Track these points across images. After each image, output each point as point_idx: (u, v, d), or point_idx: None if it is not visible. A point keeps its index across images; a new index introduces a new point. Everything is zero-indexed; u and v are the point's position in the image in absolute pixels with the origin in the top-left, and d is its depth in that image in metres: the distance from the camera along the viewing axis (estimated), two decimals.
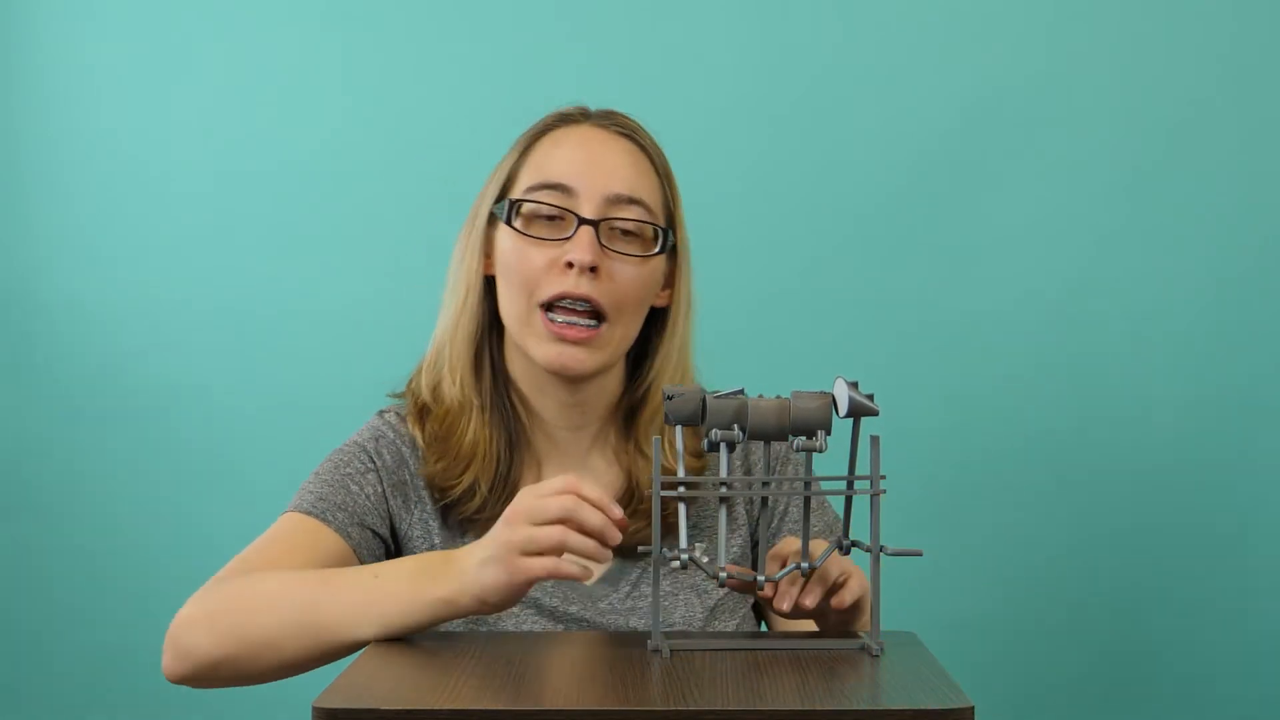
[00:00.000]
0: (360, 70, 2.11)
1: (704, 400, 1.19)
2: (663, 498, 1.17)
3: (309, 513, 1.44)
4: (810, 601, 1.23)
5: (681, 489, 1.18)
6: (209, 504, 2.10)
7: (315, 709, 1.00)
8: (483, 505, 1.44)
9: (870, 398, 1.17)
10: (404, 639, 1.27)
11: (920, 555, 1.22)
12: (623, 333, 1.45)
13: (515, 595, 1.23)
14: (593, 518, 1.21)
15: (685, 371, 1.51)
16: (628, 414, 1.50)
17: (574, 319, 1.41)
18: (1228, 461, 2.11)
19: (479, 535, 1.43)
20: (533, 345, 1.43)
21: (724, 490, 1.20)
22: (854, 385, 1.17)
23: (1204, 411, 2.10)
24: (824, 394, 1.18)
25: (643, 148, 1.49)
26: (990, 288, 2.11)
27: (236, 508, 2.10)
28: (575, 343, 1.41)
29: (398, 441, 1.48)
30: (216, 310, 2.10)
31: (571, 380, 1.45)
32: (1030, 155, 2.10)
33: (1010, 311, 2.10)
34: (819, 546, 1.31)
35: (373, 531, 1.44)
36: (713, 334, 2.08)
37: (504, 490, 1.45)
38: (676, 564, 1.16)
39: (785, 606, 1.23)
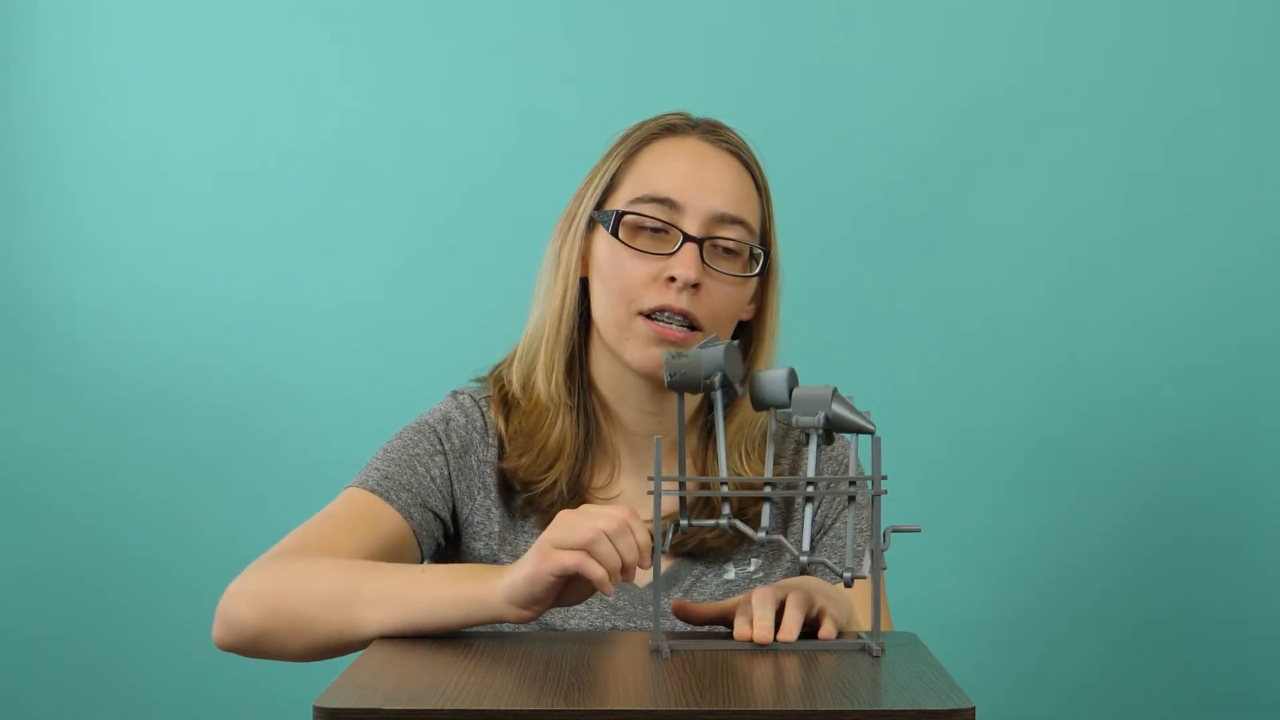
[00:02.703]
0: (360, 69, 2.11)
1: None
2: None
3: (373, 490, 1.44)
4: (789, 637, 1.22)
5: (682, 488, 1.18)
6: (209, 503, 2.10)
7: (316, 709, 1.00)
8: (556, 500, 1.46)
9: (867, 416, 1.17)
10: (406, 639, 1.27)
11: (919, 530, 1.21)
12: None
13: (541, 591, 1.22)
14: (629, 548, 1.21)
15: None
16: (709, 427, 1.52)
17: (671, 325, 1.42)
18: (1227, 460, 2.11)
19: (539, 522, 1.45)
20: (630, 348, 1.43)
21: (724, 490, 1.20)
22: (848, 401, 1.17)
23: (1203, 410, 2.11)
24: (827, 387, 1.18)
25: (747, 166, 1.49)
26: (990, 287, 2.11)
27: (237, 506, 2.10)
28: (673, 343, 1.42)
29: (468, 426, 1.48)
30: (217, 309, 2.10)
31: (659, 386, 1.46)
32: (1030, 155, 2.10)
33: (1010, 311, 2.11)
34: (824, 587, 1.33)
35: (434, 514, 1.45)
36: None
37: (575, 489, 1.47)
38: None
39: (760, 637, 1.22)
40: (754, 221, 1.47)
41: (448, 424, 1.48)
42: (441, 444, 1.47)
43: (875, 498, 1.17)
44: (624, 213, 1.44)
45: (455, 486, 1.47)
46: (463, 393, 1.51)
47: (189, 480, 2.10)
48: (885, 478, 1.17)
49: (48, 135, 2.10)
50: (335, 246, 2.10)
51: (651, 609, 1.45)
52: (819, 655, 1.17)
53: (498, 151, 2.10)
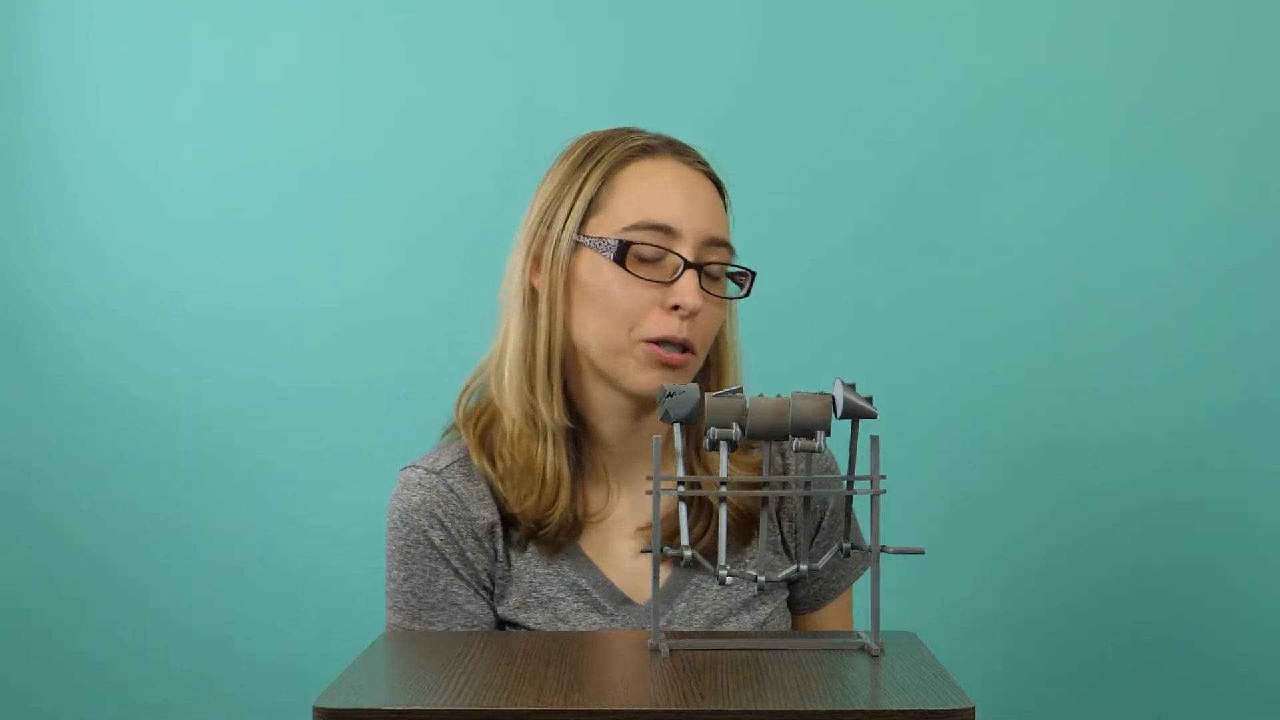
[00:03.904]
0: (360, 69, 2.11)
1: (701, 399, 1.19)
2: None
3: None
4: None
5: (681, 488, 1.18)
6: (209, 503, 2.10)
7: (315, 709, 1.00)
8: (560, 528, 1.46)
9: (869, 400, 1.17)
10: (405, 639, 1.27)
11: (922, 553, 1.22)
12: (700, 363, 1.48)
13: None
14: None
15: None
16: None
17: (672, 350, 1.43)
18: (1227, 460, 2.11)
19: (541, 551, 1.46)
20: (629, 372, 1.43)
21: (724, 490, 1.20)
22: (851, 387, 1.17)
23: (1203, 410, 2.11)
24: (824, 395, 1.18)
25: (720, 188, 1.51)
26: (990, 287, 2.11)
27: (237, 507, 2.10)
28: (674, 367, 1.43)
29: (444, 502, 1.46)
30: (217, 309, 2.10)
31: (650, 406, 1.46)
32: (1030, 155, 2.10)
33: (1010, 311, 2.11)
34: None
35: (485, 596, 1.46)
36: None
37: (573, 516, 1.47)
38: (727, 577, 1.17)
39: None
40: (731, 242, 1.49)
41: (429, 520, 1.46)
42: (443, 550, 1.45)
43: (874, 497, 1.17)
44: (629, 242, 1.43)
45: (477, 565, 1.46)
46: (411, 470, 1.49)
47: (188, 480, 2.10)
48: (884, 477, 1.17)
49: (48, 135, 2.10)
50: (335, 247, 2.10)
51: (666, 622, 1.45)
52: (818, 655, 1.17)
53: (497, 152, 2.10)
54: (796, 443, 1.18)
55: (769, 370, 1.58)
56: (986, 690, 2.05)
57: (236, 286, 2.10)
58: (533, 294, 1.48)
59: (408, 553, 1.45)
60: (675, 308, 1.42)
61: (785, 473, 1.54)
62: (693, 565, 1.22)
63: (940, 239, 2.11)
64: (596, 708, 1.00)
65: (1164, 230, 2.10)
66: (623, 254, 1.43)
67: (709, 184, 1.49)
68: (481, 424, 1.49)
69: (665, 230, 1.43)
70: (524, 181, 2.13)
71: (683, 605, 1.46)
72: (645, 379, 1.43)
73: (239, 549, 2.11)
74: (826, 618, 1.59)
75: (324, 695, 1.04)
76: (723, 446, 1.18)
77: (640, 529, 1.49)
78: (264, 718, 2.09)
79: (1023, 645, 2.12)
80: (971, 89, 2.10)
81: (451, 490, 1.46)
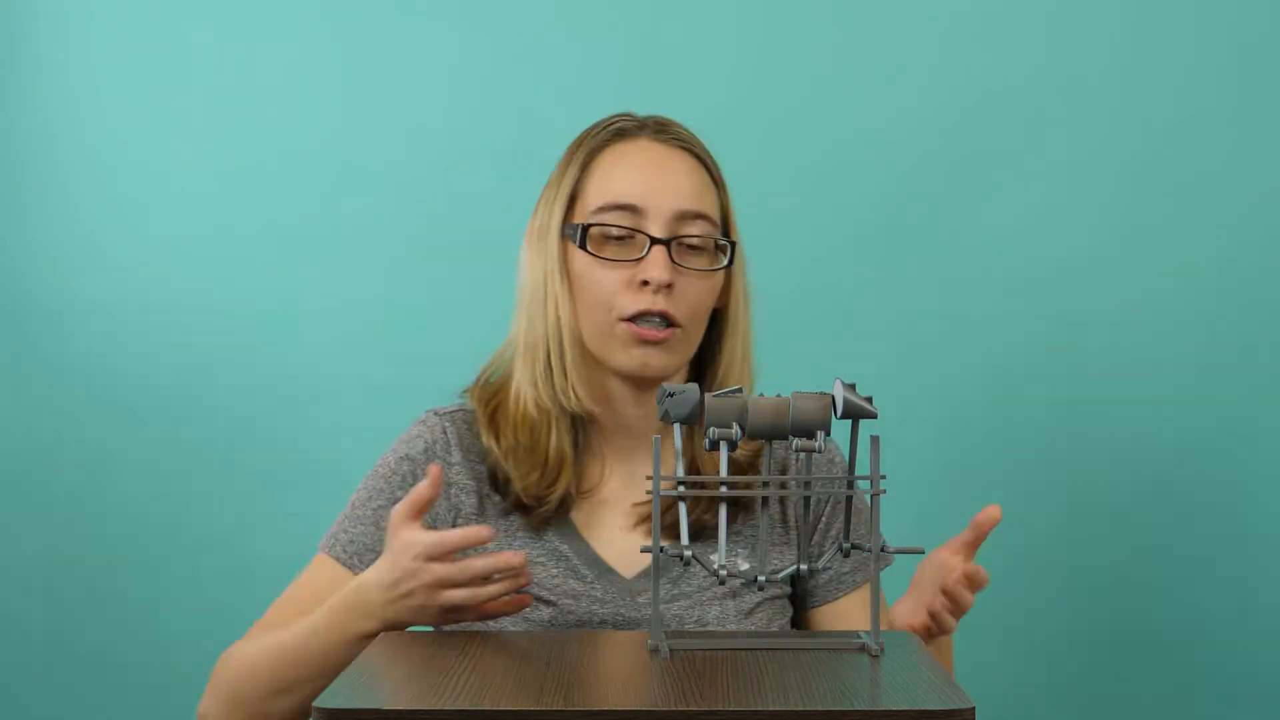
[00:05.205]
0: (360, 69, 2.11)
1: (701, 399, 1.19)
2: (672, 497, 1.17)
3: (339, 559, 1.48)
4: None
5: (681, 488, 1.18)
6: (210, 503, 2.10)
7: (316, 709, 1.00)
8: (557, 505, 1.48)
9: (869, 400, 1.17)
10: (405, 639, 1.27)
11: (922, 553, 1.22)
12: (694, 337, 1.49)
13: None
14: (491, 590, 1.31)
15: (748, 368, 1.54)
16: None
17: (651, 326, 1.44)
18: (1229, 461, 2.11)
19: (528, 523, 1.48)
20: (615, 352, 1.46)
21: (724, 490, 1.20)
22: (851, 387, 1.17)
23: (1204, 410, 2.10)
24: (824, 395, 1.18)
25: (701, 160, 1.52)
26: (990, 287, 2.11)
27: (238, 507, 2.10)
28: (655, 343, 1.44)
29: (430, 451, 1.50)
30: (217, 309, 2.10)
31: (645, 385, 1.47)
32: (1030, 155, 2.10)
33: (1010, 311, 2.10)
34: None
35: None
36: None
37: (578, 497, 1.49)
38: (727, 577, 1.19)
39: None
40: (714, 214, 1.49)
41: (413, 462, 1.49)
42: (412, 479, 1.48)
43: (874, 497, 1.17)
44: (589, 225, 1.45)
45: (436, 509, 1.48)
46: (436, 413, 1.53)
47: (189, 480, 2.10)
48: (884, 476, 1.17)
49: (48, 135, 2.10)
50: (335, 246, 2.10)
51: (648, 600, 1.45)
52: (818, 655, 1.17)
53: (497, 152, 2.10)
54: (796, 443, 1.18)
55: (769, 370, 1.58)
56: (986, 690, 2.04)
57: (237, 285, 2.10)
58: (535, 288, 1.50)
59: (387, 479, 1.50)
60: (645, 283, 1.43)
61: (785, 470, 1.54)
62: (690, 564, 1.22)
63: (940, 239, 2.10)
64: (596, 708, 1.00)
65: (1164, 230, 2.10)
66: (583, 238, 1.45)
67: (688, 158, 1.50)
68: (493, 404, 1.51)
69: (630, 209, 1.46)
70: (524, 181, 2.12)
71: (666, 584, 1.46)
72: (627, 358, 1.45)
73: (239, 549, 2.11)
74: (842, 611, 1.57)
75: (325, 695, 1.04)
76: (723, 446, 1.18)
77: (635, 504, 1.50)
78: None
79: (1023, 645, 2.12)
80: (971, 89, 2.10)
81: (451, 438, 1.50)
